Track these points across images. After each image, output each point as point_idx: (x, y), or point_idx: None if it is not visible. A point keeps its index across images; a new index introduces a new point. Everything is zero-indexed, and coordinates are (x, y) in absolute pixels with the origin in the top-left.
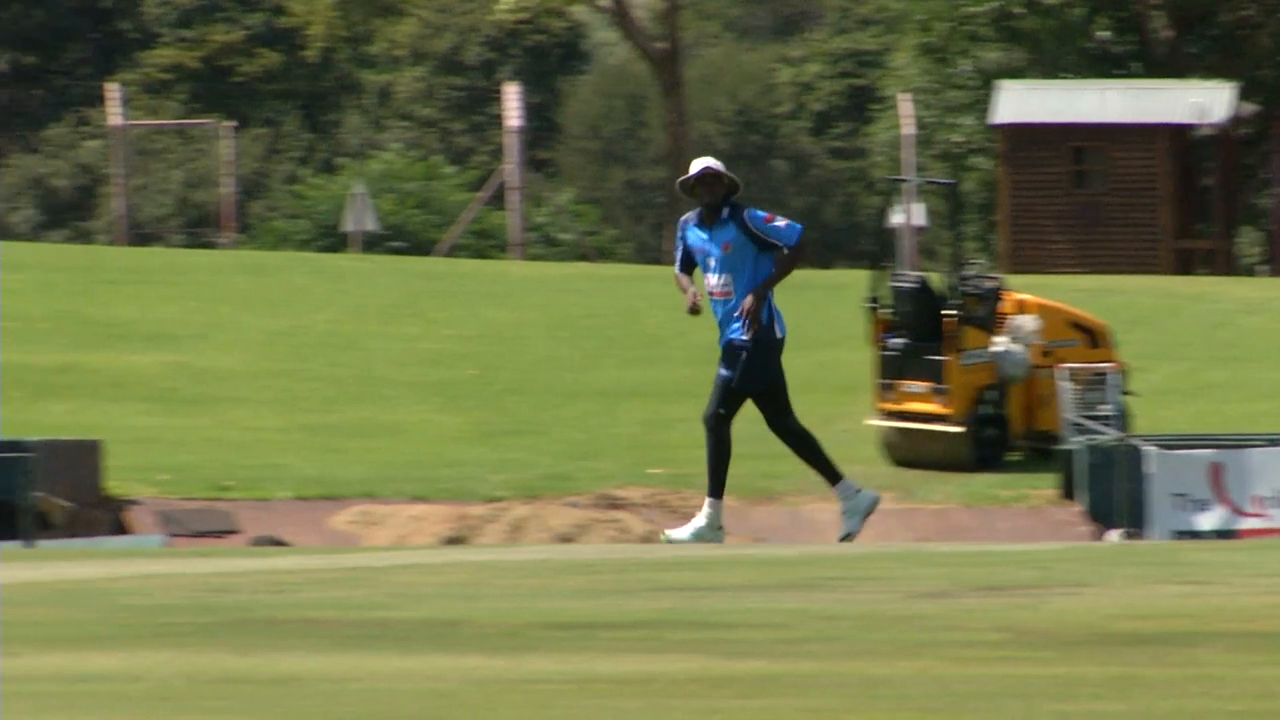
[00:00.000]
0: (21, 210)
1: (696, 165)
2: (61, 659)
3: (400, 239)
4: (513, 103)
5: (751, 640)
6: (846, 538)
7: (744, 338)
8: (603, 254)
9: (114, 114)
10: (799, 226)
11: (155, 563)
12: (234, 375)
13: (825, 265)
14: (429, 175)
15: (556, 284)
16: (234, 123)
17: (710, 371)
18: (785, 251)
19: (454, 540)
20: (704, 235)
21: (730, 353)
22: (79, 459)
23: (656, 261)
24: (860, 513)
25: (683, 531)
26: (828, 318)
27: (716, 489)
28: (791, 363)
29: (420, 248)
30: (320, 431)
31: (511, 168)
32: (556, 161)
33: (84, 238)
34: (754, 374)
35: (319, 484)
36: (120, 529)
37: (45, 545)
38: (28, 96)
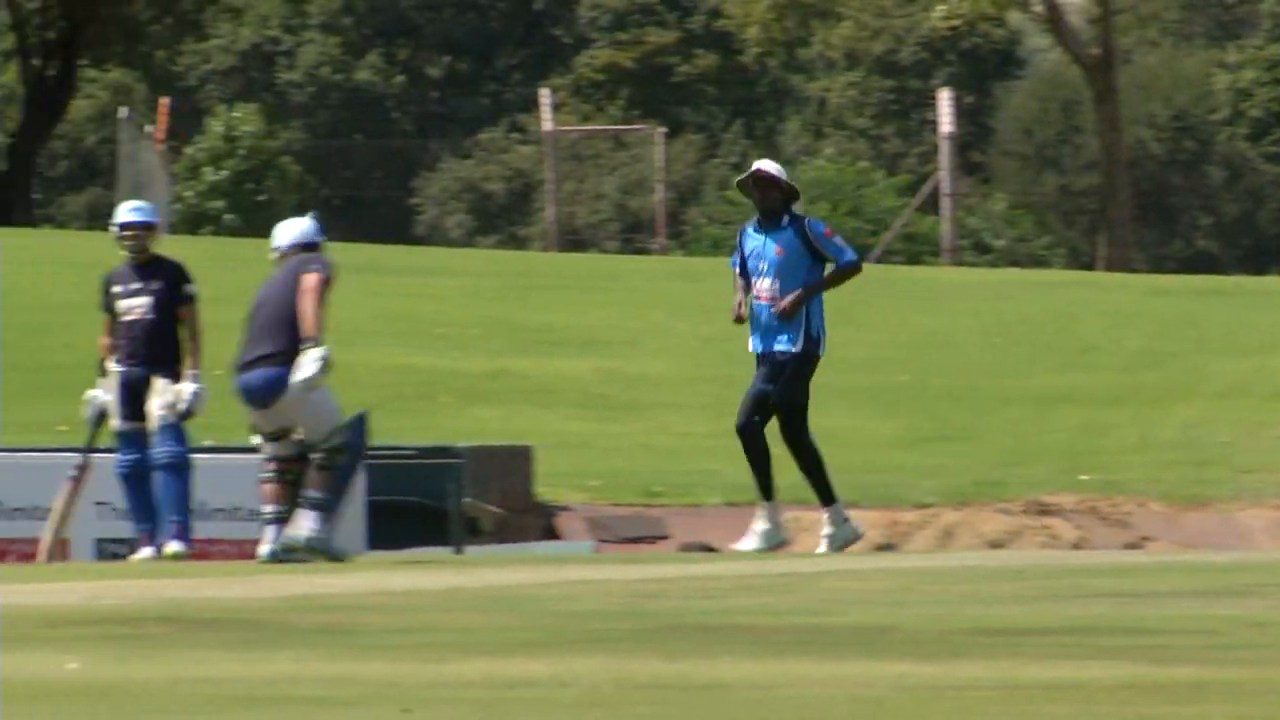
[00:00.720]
0: (454, 215)
1: (755, 165)
2: (490, 665)
3: None
4: (945, 108)
5: (1181, 647)
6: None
7: (790, 349)
8: (1035, 260)
9: (546, 119)
10: (857, 253)
11: (585, 568)
12: (665, 381)
13: (1259, 271)
14: (861, 182)
15: (989, 290)
16: (665, 129)
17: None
18: (839, 265)
19: (884, 546)
20: (759, 238)
21: (773, 364)
22: (509, 465)
23: (1088, 267)
24: (840, 541)
25: (749, 541)
26: (1260, 324)
27: (768, 492)
28: (1222, 368)
29: None
30: None
31: (944, 174)
32: (989, 167)
33: (517, 243)
34: (798, 387)
35: (749, 490)
36: (550, 535)
37: (474, 551)
38: (461, 102)
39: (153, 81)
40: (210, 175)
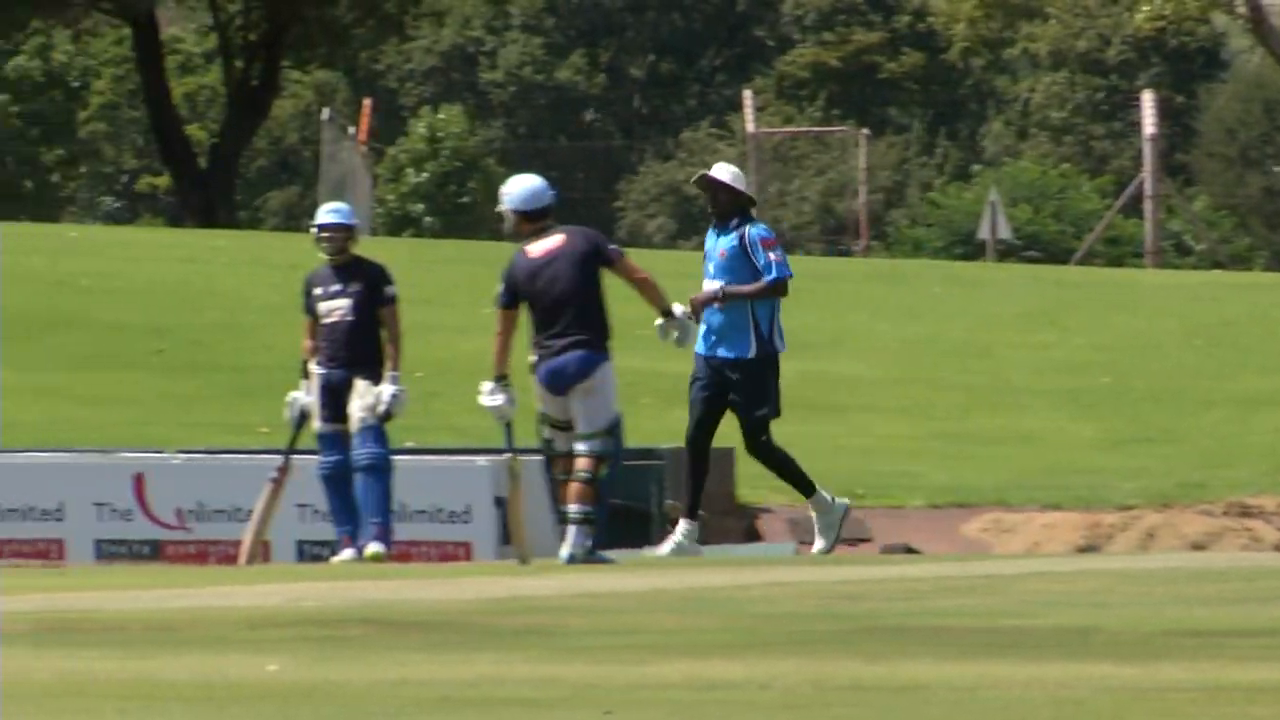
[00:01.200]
0: (655, 219)
1: (711, 170)
2: (690, 666)
3: (1035, 247)
4: (1149, 110)
5: None
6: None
7: (744, 356)
8: (1237, 262)
9: (749, 121)
10: (788, 273)
11: (785, 570)
12: (867, 383)
13: None
14: (1063, 185)
15: (1190, 292)
16: (867, 130)
17: None
18: (764, 281)
19: (1086, 548)
20: (713, 239)
21: (718, 371)
22: (711, 467)
23: None
24: (834, 524)
25: (664, 546)
26: None
27: (693, 510)
28: None
29: (1054, 256)
30: (953, 439)
31: (1147, 176)
32: (1193, 168)
33: None
34: (761, 397)
35: (951, 492)
36: (752, 536)
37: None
38: (664, 103)
39: (355, 82)
40: (412, 178)
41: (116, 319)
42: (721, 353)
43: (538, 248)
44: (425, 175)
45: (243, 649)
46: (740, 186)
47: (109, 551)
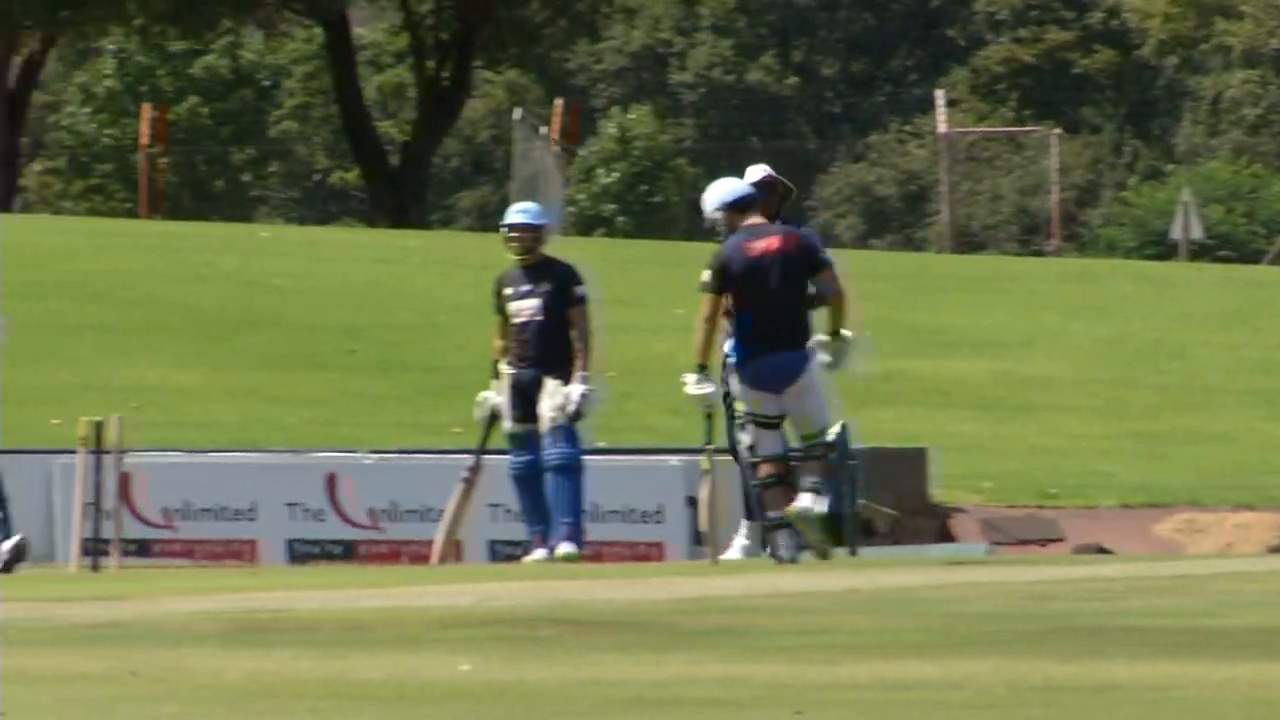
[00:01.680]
0: (847, 218)
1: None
2: (881, 666)
3: (1227, 247)
4: None
5: None
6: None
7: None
8: None
9: (941, 121)
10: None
11: (978, 571)
12: (1059, 383)
13: None
14: (1255, 184)
15: None
16: (1059, 130)
17: None
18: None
19: (1279, 549)
20: None
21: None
22: (904, 467)
23: None
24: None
25: (732, 550)
26: None
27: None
28: None
29: (1246, 257)
30: (1145, 439)
31: None
32: None
33: (910, 245)
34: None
35: (1144, 491)
36: (945, 537)
37: (869, 553)
38: (856, 102)
39: (547, 82)
40: (603, 178)
41: (309, 319)
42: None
43: (757, 245)
44: (615, 176)
45: (435, 649)
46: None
47: (301, 552)
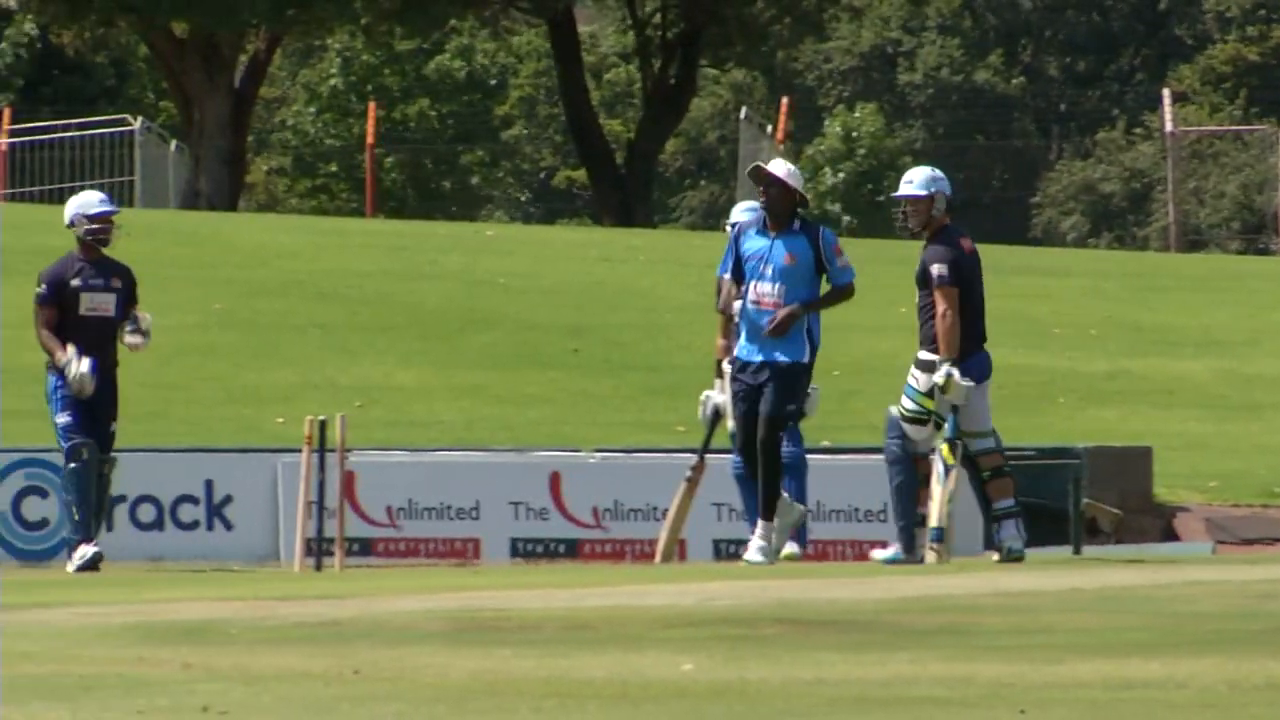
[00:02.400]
0: (1071, 216)
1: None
2: (1105, 665)
3: None
4: None
5: None
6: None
7: (800, 360)
8: None
9: (1168, 120)
10: (853, 271)
11: (1202, 569)
12: None
13: None
14: None
15: None
16: None
17: None
18: (837, 286)
19: None
20: (765, 242)
21: (776, 373)
22: (1127, 465)
23: None
24: (775, 551)
25: (753, 554)
26: None
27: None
28: None
29: None
30: None
31: None
32: None
33: (1134, 244)
34: (795, 394)
35: None
36: (1169, 536)
37: (1093, 551)
38: (1080, 101)
39: (773, 81)
40: (829, 178)
41: (533, 318)
42: (780, 356)
43: (966, 243)
44: (841, 175)
45: (657, 648)
46: (795, 184)
47: (524, 550)
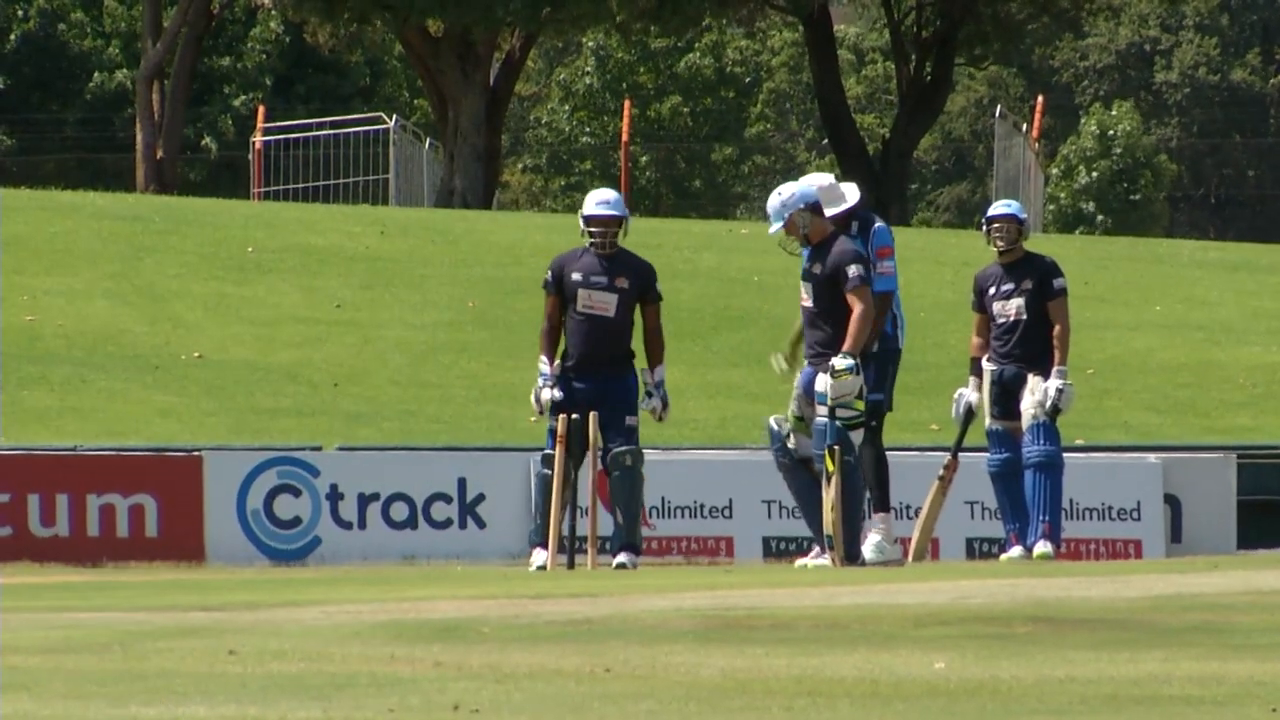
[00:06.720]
0: None
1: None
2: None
3: None
4: None
5: None
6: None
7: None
8: None
9: None
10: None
11: None
12: None
13: None
14: None
15: None
16: None
17: None
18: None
19: None
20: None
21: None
22: None
23: None
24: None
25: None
26: None
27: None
28: None
29: None
30: None
31: None
32: None
33: None
34: (878, 384)
35: None
36: None
37: None
38: None
39: (1029, 78)
40: (1083, 177)
41: (788, 316)
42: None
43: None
44: (1096, 174)
45: (910, 646)
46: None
47: (777, 549)
